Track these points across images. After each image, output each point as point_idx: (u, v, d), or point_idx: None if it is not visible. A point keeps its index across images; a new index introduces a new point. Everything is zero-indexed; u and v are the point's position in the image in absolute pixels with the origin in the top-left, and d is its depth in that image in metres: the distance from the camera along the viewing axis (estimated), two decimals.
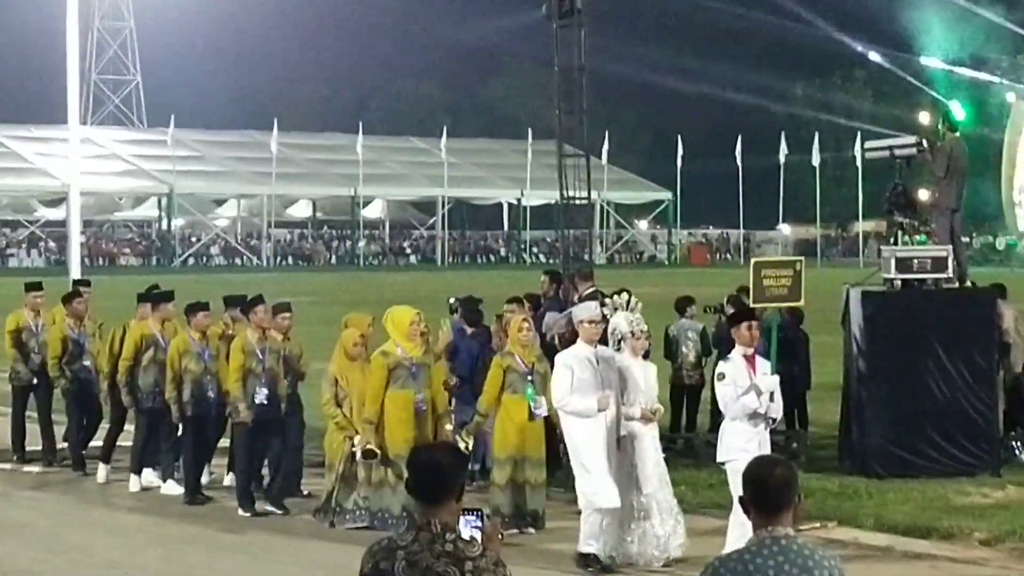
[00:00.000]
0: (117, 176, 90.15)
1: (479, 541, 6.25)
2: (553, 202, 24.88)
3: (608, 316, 13.72)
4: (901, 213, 18.38)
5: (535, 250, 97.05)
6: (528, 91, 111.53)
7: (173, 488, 17.03)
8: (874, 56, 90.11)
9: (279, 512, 15.85)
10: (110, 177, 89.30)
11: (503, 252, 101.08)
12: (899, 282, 17.94)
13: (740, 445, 12.74)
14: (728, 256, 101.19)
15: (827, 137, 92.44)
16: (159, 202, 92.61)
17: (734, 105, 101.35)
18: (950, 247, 18.13)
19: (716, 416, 16.30)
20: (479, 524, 6.35)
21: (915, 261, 17.88)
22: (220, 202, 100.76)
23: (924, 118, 76.60)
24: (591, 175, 22.84)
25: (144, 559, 14.28)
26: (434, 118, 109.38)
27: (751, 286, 15.23)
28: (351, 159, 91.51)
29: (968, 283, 19.14)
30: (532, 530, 14.71)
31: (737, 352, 13.18)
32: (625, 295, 13.72)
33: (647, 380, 13.59)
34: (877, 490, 16.24)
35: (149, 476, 17.57)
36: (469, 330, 17.49)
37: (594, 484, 13.08)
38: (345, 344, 15.49)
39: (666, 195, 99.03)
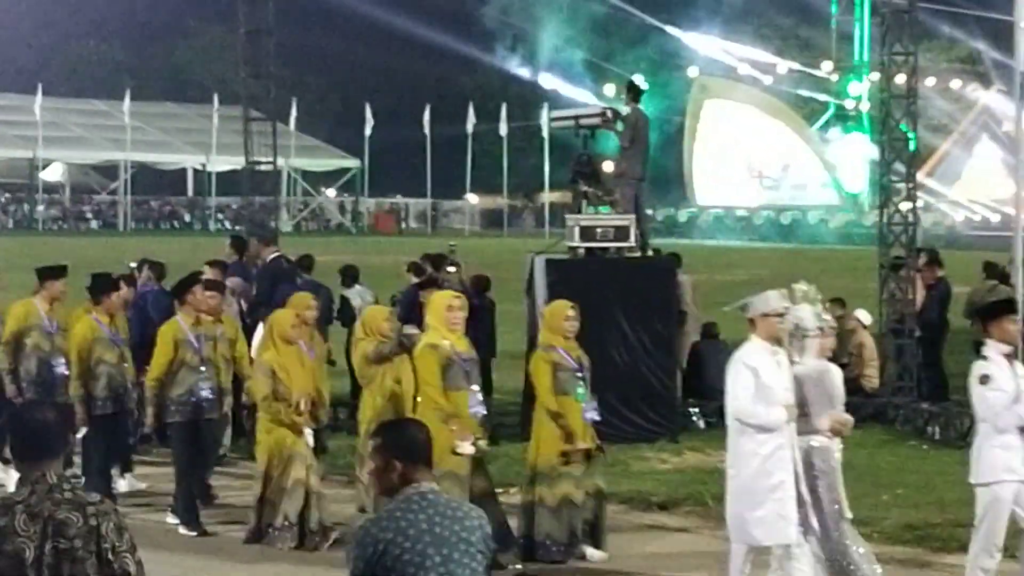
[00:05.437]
0: None
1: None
2: (239, 168, 24.57)
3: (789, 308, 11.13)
4: (586, 182, 18.61)
5: (220, 216, 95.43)
6: (214, 55, 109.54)
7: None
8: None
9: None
10: None
11: (188, 218, 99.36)
12: (583, 250, 18.18)
13: (1007, 464, 10.68)
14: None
15: (515, 108, 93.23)
16: None
17: (423, 74, 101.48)
18: (633, 216, 18.44)
19: None
20: None
21: (598, 230, 18.13)
22: None
23: (609, 89, 78.28)
24: (278, 141, 22.65)
25: None
26: (117, 80, 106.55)
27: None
28: (29, 120, 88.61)
29: (650, 252, 19.55)
30: (594, 552, 12.66)
31: (996, 351, 10.82)
32: (803, 284, 11.18)
33: (835, 386, 11.15)
34: None
35: None
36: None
37: (766, 515, 10.70)
38: (280, 326, 13.11)
39: (354, 163, 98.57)
